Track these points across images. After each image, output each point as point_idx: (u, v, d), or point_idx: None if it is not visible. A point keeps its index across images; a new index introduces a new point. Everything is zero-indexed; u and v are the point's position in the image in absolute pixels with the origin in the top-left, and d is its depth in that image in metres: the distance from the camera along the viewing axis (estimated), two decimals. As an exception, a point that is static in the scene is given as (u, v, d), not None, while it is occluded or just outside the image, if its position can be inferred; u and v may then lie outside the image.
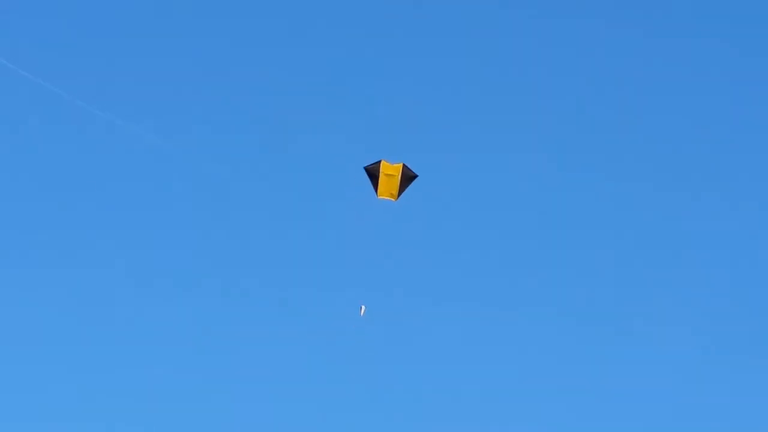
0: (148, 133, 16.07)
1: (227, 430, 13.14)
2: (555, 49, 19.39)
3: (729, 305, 15.59)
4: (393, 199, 5.20)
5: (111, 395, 12.46)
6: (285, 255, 15.00)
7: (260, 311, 14.39)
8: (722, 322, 15.08)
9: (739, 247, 16.86)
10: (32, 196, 16.01)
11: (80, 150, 16.83)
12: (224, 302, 14.54)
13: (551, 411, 12.93)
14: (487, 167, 17.36)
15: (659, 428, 13.32)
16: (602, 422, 13.06)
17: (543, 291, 15.26)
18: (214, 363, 13.23)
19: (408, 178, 5.14)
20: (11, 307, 13.64)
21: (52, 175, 16.34)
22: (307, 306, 13.95)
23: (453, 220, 15.24)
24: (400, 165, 5.12)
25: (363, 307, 5.17)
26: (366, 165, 5.13)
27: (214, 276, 14.71)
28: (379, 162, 5.01)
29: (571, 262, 15.92)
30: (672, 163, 18.12)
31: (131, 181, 16.27)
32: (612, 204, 17.34)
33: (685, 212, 17.48)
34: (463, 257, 15.22)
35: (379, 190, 5.09)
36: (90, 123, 16.14)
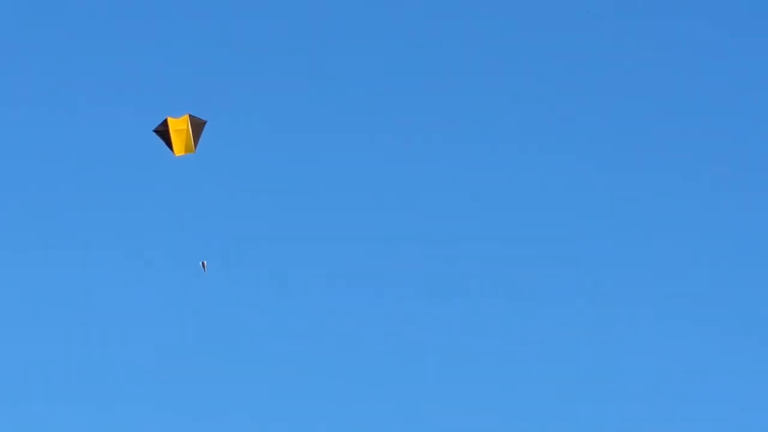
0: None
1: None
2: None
3: None
4: (192, 152, 5.28)
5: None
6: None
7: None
8: None
9: None
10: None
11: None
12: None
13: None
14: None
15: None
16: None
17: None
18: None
19: (197, 125, 5.22)
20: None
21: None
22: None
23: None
24: (186, 116, 5.14)
25: (203, 262, 5.07)
26: (154, 128, 5.15)
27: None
28: (166, 120, 5.06)
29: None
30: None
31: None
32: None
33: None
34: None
35: (175, 148, 5.15)
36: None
